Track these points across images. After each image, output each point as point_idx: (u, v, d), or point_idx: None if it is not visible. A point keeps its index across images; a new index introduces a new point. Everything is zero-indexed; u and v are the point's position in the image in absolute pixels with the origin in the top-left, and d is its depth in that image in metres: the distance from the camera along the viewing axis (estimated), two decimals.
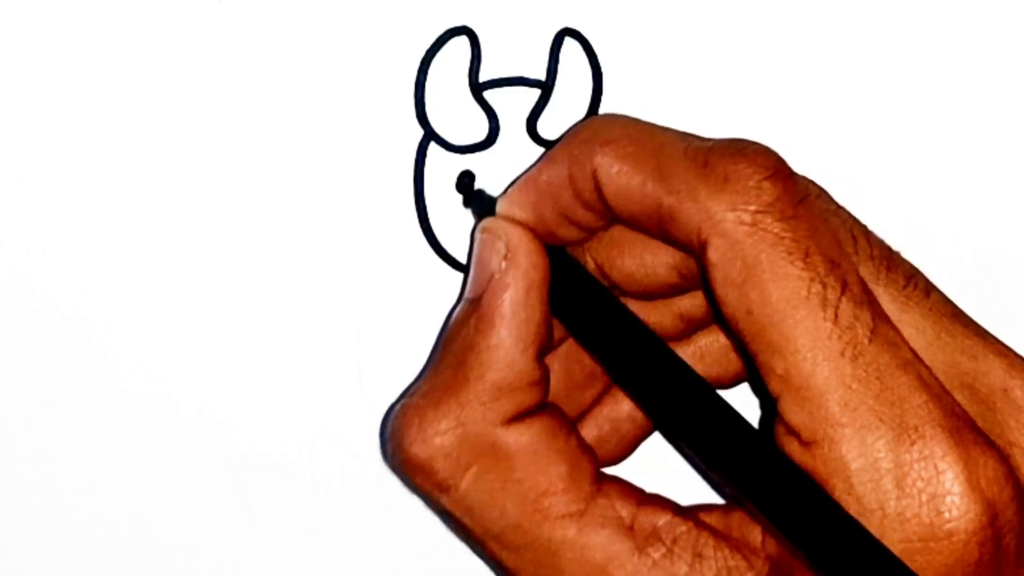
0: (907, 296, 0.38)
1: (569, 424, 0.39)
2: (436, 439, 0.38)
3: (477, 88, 0.43)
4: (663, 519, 0.38)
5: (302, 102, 0.42)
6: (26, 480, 0.43)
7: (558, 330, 0.40)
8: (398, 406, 0.39)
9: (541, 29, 0.43)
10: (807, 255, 0.36)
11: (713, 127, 0.44)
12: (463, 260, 0.44)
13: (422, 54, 0.43)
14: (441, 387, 0.38)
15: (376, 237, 0.43)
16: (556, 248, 0.40)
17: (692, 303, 0.41)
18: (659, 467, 0.43)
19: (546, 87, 0.43)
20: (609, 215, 0.39)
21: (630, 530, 0.37)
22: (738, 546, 0.37)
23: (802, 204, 0.36)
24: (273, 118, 0.42)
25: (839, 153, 0.45)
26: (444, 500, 0.38)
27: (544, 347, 0.39)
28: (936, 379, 0.36)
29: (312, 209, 0.43)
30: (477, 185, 0.43)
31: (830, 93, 0.45)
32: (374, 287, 0.43)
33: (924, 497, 0.34)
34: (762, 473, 0.36)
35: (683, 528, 0.38)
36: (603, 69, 0.43)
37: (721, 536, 0.37)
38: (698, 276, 0.39)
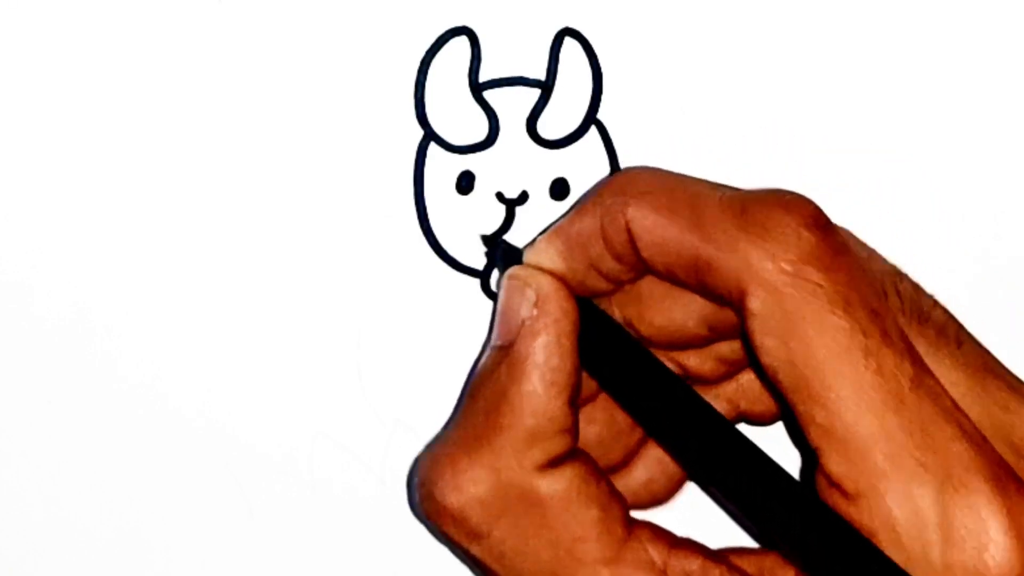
0: (938, 347, 0.38)
1: (599, 470, 0.39)
2: (470, 487, 0.38)
3: (477, 88, 0.43)
4: (695, 563, 0.38)
5: (302, 102, 0.42)
6: (26, 480, 0.43)
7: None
8: (427, 454, 0.39)
9: (541, 29, 0.43)
10: (848, 304, 0.36)
11: (713, 127, 0.44)
12: (463, 260, 0.44)
13: (422, 54, 0.43)
14: (473, 435, 0.38)
15: (376, 237, 0.43)
16: (583, 299, 0.39)
17: (731, 348, 0.41)
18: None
19: (546, 87, 0.43)
20: (640, 267, 0.39)
21: (663, 574, 0.38)
22: None
23: (841, 253, 0.36)
24: (273, 118, 0.42)
25: (839, 154, 0.45)
26: (476, 548, 0.38)
27: (575, 394, 0.39)
28: (976, 428, 0.36)
29: (312, 209, 0.43)
30: (473, 186, 0.43)
31: (831, 93, 0.45)
32: (374, 287, 0.43)
33: (968, 546, 0.34)
34: (804, 526, 0.36)
35: (715, 572, 0.38)
36: (603, 69, 0.43)
37: None
38: (728, 329, 0.39)
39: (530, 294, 0.39)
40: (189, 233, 0.43)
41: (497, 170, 0.43)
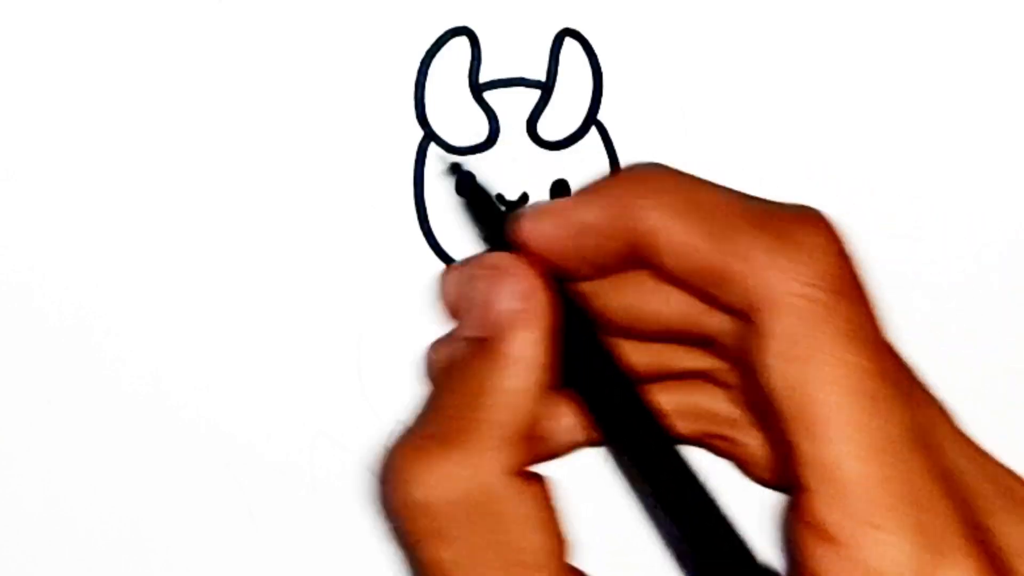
0: (941, 407, 0.37)
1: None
2: (443, 483, 0.36)
3: (477, 88, 0.43)
4: None
5: (302, 102, 0.43)
6: (26, 480, 0.43)
7: None
8: (397, 446, 0.37)
9: (541, 29, 0.43)
10: (864, 341, 0.34)
11: (713, 128, 0.44)
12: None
13: (422, 54, 0.43)
14: (448, 428, 0.36)
15: (376, 237, 0.43)
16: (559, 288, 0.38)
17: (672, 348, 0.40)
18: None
19: (546, 87, 0.43)
20: (634, 265, 0.37)
21: None
22: None
23: (860, 284, 0.35)
24: (273, 118, 0.42)
25: (838, 155, 0.45)
26: (433, 547, 0.36)
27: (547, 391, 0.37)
28: (960, 489, 0.35)
29: (312, 209, 0.43)
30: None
31: (831, 93, 0.45)
32: (374, 287, 0.43)
33: None
34: (725, 560, 0.35)
35: None
36: (603, 69, 0.43)
37: None
38: (700, 335, 0.38)
39: (515, 287, 0.37)
40: (189, 233, 0.43)
41: (497, 171, 0.44)
